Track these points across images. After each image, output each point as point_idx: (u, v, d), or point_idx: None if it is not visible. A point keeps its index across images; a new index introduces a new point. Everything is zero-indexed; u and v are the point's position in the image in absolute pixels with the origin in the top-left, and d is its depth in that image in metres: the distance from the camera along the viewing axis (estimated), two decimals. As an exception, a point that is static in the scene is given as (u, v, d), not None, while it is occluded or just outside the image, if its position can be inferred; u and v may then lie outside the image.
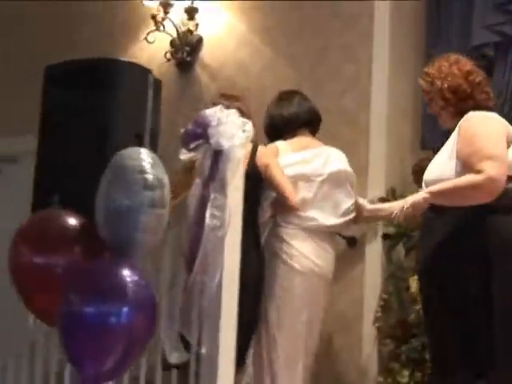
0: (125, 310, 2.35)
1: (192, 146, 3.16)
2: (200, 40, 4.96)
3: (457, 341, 3.00)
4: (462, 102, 3.15)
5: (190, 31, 4.93)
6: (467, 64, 3.20)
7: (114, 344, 2.35)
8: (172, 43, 4.98)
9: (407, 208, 3.12)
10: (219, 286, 3.03)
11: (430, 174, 3.17)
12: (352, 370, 4.17)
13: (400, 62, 4.36)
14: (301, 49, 4.58)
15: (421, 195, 3.11)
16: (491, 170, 2.91)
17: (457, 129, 3.11)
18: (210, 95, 4.49)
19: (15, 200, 5.55)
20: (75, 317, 2.37)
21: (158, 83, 3.04)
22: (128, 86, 2.92)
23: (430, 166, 3.20)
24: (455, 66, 3.17)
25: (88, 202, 2.63)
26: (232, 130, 3.13)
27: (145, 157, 2.52)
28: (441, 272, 3.05)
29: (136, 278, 2.42)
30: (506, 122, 3.14)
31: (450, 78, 3.15)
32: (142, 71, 2.98)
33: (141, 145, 2.93)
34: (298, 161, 3.69)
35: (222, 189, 3.12)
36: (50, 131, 3.00)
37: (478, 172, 2.92)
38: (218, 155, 3.15)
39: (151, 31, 4.93)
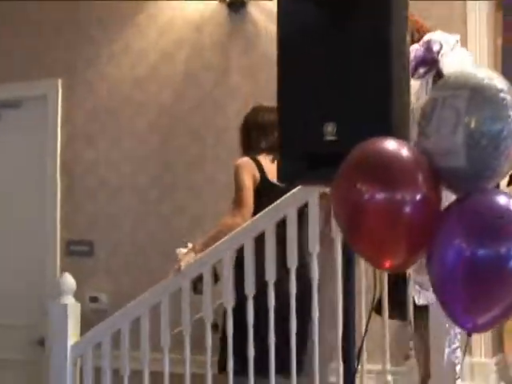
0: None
1: (421, 71, 2.93)
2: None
3: None
4: None
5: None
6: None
7: (507, 291, 2.05)
8: (225, -18, 4.51)
9: None
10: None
11: None
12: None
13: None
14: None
15: None
16: None
17: None
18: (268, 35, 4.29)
19: (17, 146, 5.25)
20: (468, 262, 2.01)
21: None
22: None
23: None
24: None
25: (373, 130, 2.34)
26: (461, 56, 2.95)
27: (497, 76, 2.23)
28: None
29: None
30: None
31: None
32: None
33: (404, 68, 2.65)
34: None
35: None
36: (297, 56, 2.61)
37: None
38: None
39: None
